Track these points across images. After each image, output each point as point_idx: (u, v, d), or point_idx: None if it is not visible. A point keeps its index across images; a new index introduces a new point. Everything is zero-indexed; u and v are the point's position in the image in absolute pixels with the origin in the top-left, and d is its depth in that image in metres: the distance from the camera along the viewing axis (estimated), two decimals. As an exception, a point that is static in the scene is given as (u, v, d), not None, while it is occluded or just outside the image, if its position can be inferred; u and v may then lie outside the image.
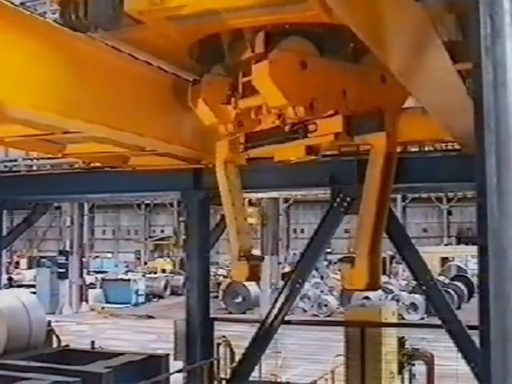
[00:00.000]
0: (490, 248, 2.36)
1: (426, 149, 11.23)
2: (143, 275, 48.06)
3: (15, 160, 14.66)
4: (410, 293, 34.71)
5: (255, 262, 7.43)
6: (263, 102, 6.19)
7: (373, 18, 4.23)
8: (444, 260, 47.72)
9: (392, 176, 6.23)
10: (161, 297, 45.69)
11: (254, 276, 7.41)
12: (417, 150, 11.02)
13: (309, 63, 5.87)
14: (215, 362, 12.10)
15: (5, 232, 15.08)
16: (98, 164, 12.53)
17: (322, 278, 42.77)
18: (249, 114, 6.47)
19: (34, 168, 14.60)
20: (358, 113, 6.30)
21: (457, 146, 10.21)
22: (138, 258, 65.18)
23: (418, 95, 6.58)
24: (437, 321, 11.40)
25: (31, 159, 14.48)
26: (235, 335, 14.50)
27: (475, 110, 2.55)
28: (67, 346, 11.60)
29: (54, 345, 12.07)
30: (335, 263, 51.43)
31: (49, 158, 13.59)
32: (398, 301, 31.74)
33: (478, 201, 2.48)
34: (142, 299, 43.26)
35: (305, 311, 36.27)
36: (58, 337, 12.49)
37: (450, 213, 60.74)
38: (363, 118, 6.25)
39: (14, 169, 14.68)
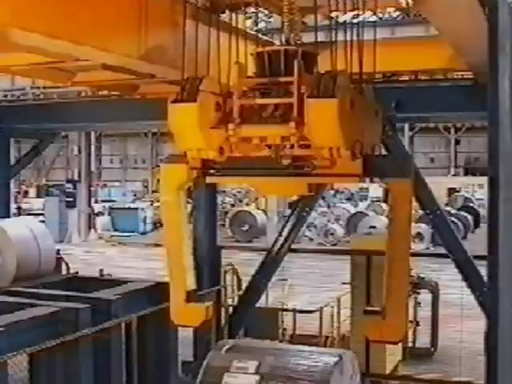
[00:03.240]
0: (502, 174, 2.34)
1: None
2: (151, 204, 48.09)
3: (22, 89, 14.56)
4: (416, 222, 34.83)
5: (210, 301, 6.52)
6: (275, 133, 5.22)
7: None
8: (451, 190, 47.81)
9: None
10: (168, 225, 45.79)
11: (209, 317, 6.06)
12: (427, 78, 10.87)
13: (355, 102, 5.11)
14: (222, 289, 12.24)
15: (13, 161, 15.09)
16: (104, 92, 12.43)
17: (328, 206, 42.94)
18: (230, 141, 5.45)
19: (41, 97, 14.51)
20: (376, 155, 5.72)
21: (467, 76, 10.10)
22: (146, 187, 65.35)
23: (435, 21, 6.46)
24: (442, 251, 11.45)
25: (38, 87, 14.38)
26: (242, 262, 14.64)
27: (490, 33, 2.49)
28: (76, 273, 11.69)
29: (63, 272, 12.19)
30: (341, 192, 51.69)
31: (56, 87, 13.50)
32: (404, 230, 31.81)
33: (490, 121, 2.44)
34: (149, 227, 43.48)
35: (311, 240, 36.51)
36: (67, 264, 12.60)
37: (457, 142, 60.55)
38: (385, 162, 5.73)
39: (21, 98, 14.60)
